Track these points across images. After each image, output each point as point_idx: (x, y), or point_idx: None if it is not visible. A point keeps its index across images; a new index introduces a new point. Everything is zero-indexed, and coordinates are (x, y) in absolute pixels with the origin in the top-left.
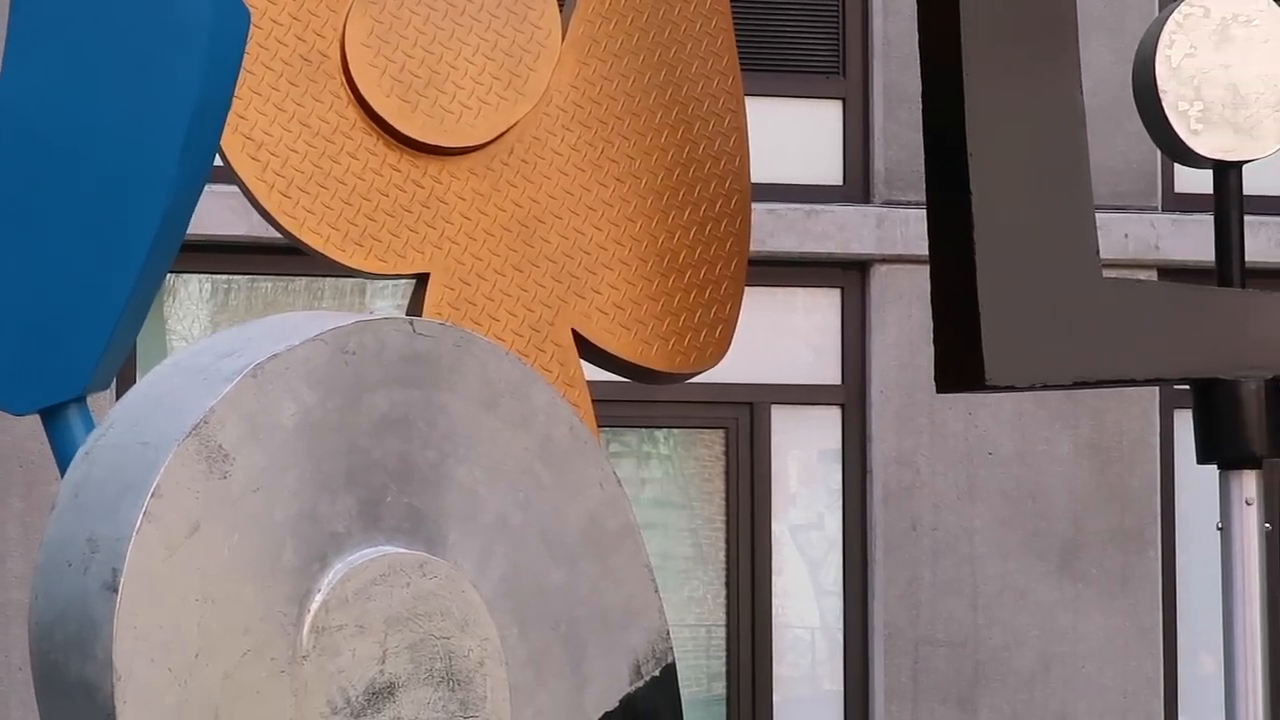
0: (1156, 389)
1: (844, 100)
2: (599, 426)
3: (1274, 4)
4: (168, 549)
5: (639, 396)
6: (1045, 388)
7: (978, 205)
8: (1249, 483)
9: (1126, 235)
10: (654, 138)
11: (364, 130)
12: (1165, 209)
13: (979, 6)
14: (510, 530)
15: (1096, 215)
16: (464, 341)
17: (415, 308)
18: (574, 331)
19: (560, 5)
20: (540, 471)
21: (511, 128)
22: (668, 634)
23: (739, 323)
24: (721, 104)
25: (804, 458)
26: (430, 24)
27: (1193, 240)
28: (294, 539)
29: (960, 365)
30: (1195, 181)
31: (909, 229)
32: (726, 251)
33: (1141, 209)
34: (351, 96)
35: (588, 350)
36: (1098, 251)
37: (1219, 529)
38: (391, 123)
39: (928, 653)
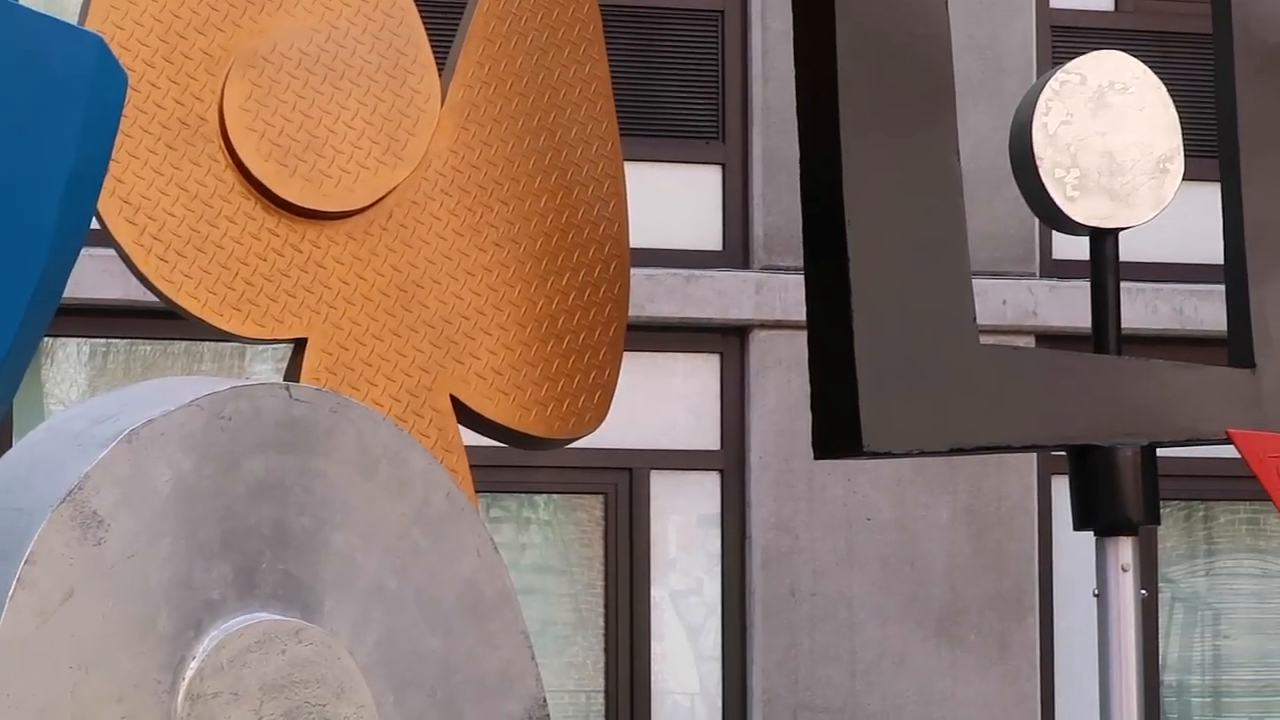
0: (1035, 455)
1: (723, 166)
2: (478, 491)
3: (1150, 72)
4: (41, 616)
5: (519, 461)
6: (922, 454)
7: (855, 271)
8: (1125, 549)
9: (1005, 301)
10: (533, 203)
11: (242, 194)
12: (1043, 275)
13: (856, 73)
14: (387, 596)
15: (974, 281)
16: (340, 407)
17: (293, 373)
18: (452, 397)
19: (439, 70)
20: (417, 537)
21: (390, 192)
22: (545, 701)
23: (618, 388)
24: (601, 169)
25: (683, 523)
26: (309, 88)
27: (1070, 306)
28: (169, 606)
29: (838, 431)
30: (1073, 248)
31: (788, 295)
32: (605, 317)
33: (1020, 275)
34: (230, 160)
35: (466, 415)
36: (975, 318)
37: (1096, 595)
38: (270, 187)
39: (806, 718)
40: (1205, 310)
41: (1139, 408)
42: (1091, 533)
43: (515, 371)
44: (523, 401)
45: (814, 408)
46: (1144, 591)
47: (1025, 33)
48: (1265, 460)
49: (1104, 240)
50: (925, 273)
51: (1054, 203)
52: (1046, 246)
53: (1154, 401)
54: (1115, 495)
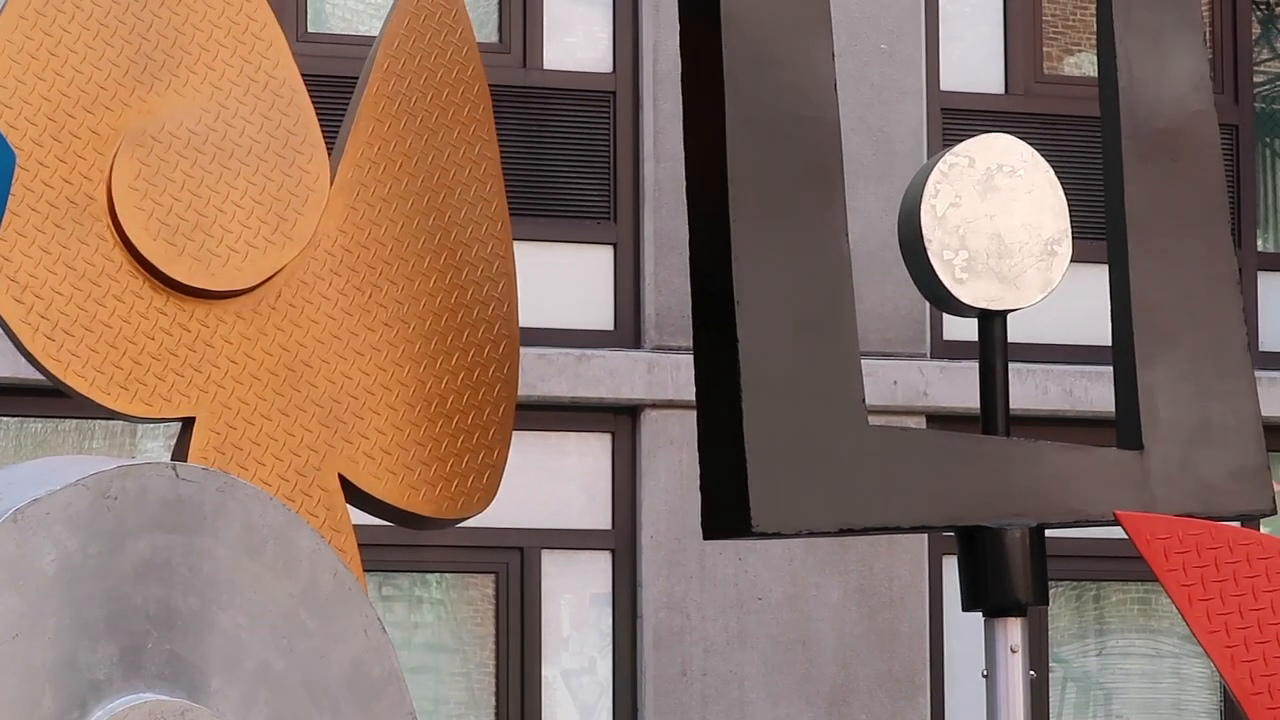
0: (926, 535)
1: (615, 245)
2: (369, 570)
3: (1037, 155)
4: None
5: (411, 540)
6: (811, 534)
7: (745, 352)
8: (1014, 630)
9: (895, 382)
10: (422, 283)
11: (130, 273)
12: (934, 356)
13: (746, 154)
14: (273, 677)
15: (866, 362)
16: (228, 487)
17: (181, 451)
18: (341, 476)
19: (329, 149)
20: (304, 618)
21: (279, 272)
22: None
23: (510, 467)
24: (490, 249)
25: (576, 602)
26: (198, 167)
27: (961, 387)
28: (53, 686)
29: (727, 512)
30: (964, 328)
31: (680, 374)
32: (495, 397)
33: (911, 355)
34: (118, 239)
35: (354, 495)
36: (863, 398)
37: (984, 676)
38: (158, 266)
39: None
40: (1096, 391)
41: (1027, 489)
42: (980, 613)
43: (404, 451)
44: (411, 481)
45: (703, 488)
46: (1033, 673)
47: (916, 115)
48: (1153, 542)
49: (992, 322)
50: (814, 353)
51: (942, 285)
52: (937, 327)
53: (1042, 483)
54: (1004, 576)
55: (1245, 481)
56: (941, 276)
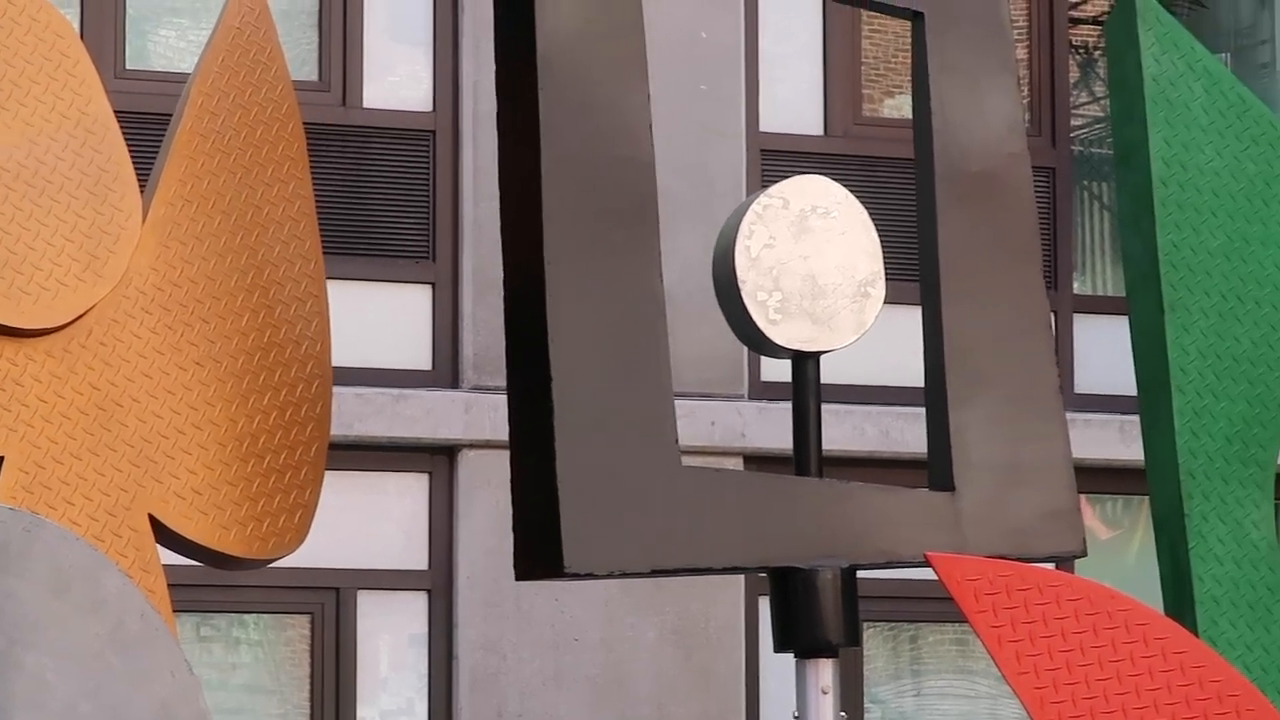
0: (742, 575)
1: (434, 285)
2: (184, 611)
3: (851, 196)
4: None
5: (228, 581)
6: (624, 575)
7: (558, 392)
8: (825, 671)
9: (713, 423)
10: (235, 321)
11: None
12: (752, 396)
13: (561, 194)
14: (80, 718)
15: (683, 403)
16: (34, 527)
17: None
18: (151, 516)
19: (141, 187)
20: (111, 659)
21: (90, 310)
22: None
23: (327, 507)
24: (304, 288)
25: (393, 643)
26: (8, 204)
27: (779, 427)
28: None
29: (540, 552)
30: (782, 370)
31: (498, 415)
32: (307, 436)
33: (728, 396)
34: None
35: (165, 535)
36: (676, 439)
37: (796, 718)
38: None
39: None
40: (912, 433)
41: (839, 530)
42: (793, 654)
43: (215, 491)
44: (222, 521)
45: (516, 528)
46: (844, 714)
47: (736, 156)
48: (963, 583)
49: (806, 363)
50: (627, 394)
51: (756, 326)
52: (755, 368)
53: (854, 524)
54: (815, 617)
55: (1056, 523)
56: (755, 317)
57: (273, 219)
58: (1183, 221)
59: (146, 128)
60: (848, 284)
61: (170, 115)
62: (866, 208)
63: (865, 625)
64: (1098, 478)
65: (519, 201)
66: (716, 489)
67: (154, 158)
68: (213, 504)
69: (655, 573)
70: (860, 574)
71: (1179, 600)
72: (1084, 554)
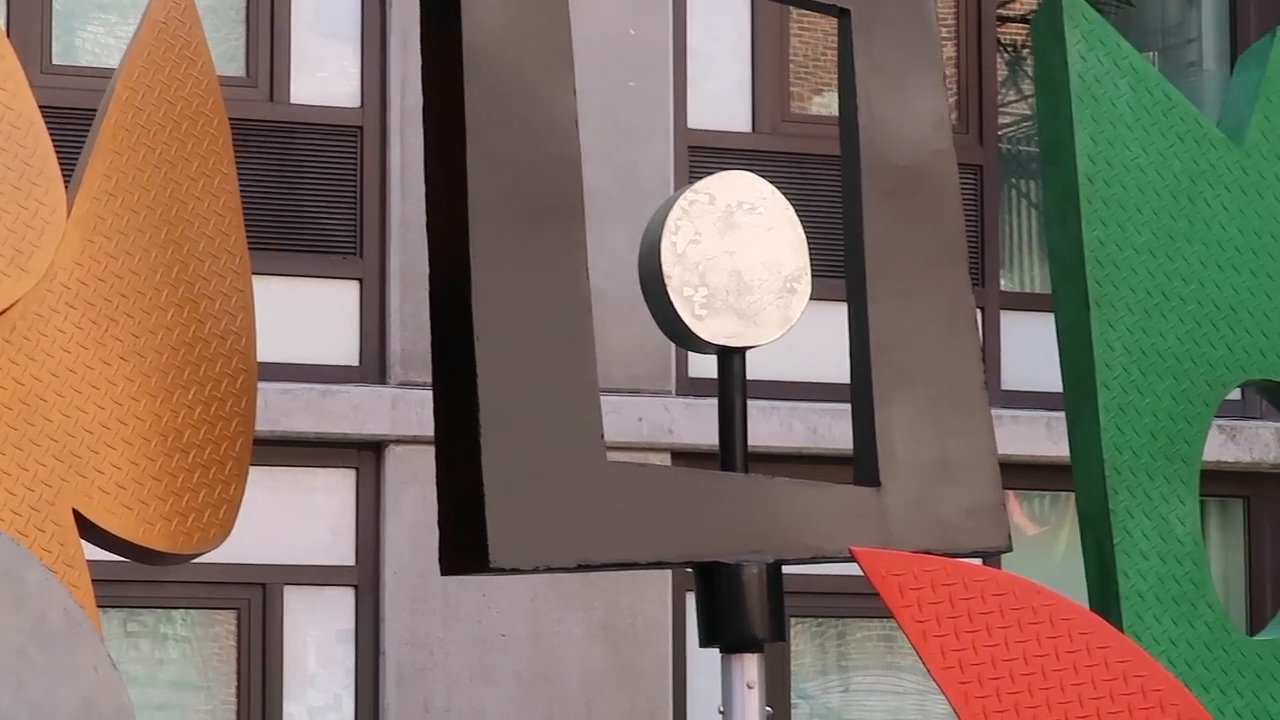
0: (670, 571)
1: (361, 281)
2: (111, 607)
3: (777, 192)
4: None
5: (154, 576)
6: (550, 570)
7: (483, 387)
8: (750, 666)
9: (640, 419)
10: (159, 316)
11: None
12: (679, 392)
13: (487, 190)
14: (1, 713)
15: (611, 399)
16: None
17: None
18: (75, 511)
19: (66, 182)
20: (33, 654)
21: (14, 305)
22: None
23: (254, 502)
24: (229, 283)
25: (321, 639)
26: None
27: (707, 423)
28: None
29: (465, 547)
30: (709, 366)
31: (425, 410)
32: (231, 431)
33: (656, 393)
34: None
35: (89, 530)
36: (602, 434)
37: (721, 713)
38: None
39: None
40: (840, 428)
41: (764, 525)
42: (718, 649)
43: (139, 486)
44: (146, 516)
45: (441, 523)
46: (769, 709)
47: (664, 153)
48: (888, 578)
49: (732, 359)
50: (553, 389)
51: (682, 321)
52: (683, 364)
53: (779, 519)
54: (740, 612)
55: (982, 519)
56: (681, 313)
57: (198, 214)
58: (1108, 218)
59: (72, 123)
60: (773, 280)
61: (96, 111)
62: (795, 205)
63: (793, 621)
64: (1025, 474)
65: (445, 197)
66: (642, 484)
67: (79, 153)
68: (137, 499)
69: (581, 568)
70: (788, 569)
71: (1104, 595)
72: (1009, 549)
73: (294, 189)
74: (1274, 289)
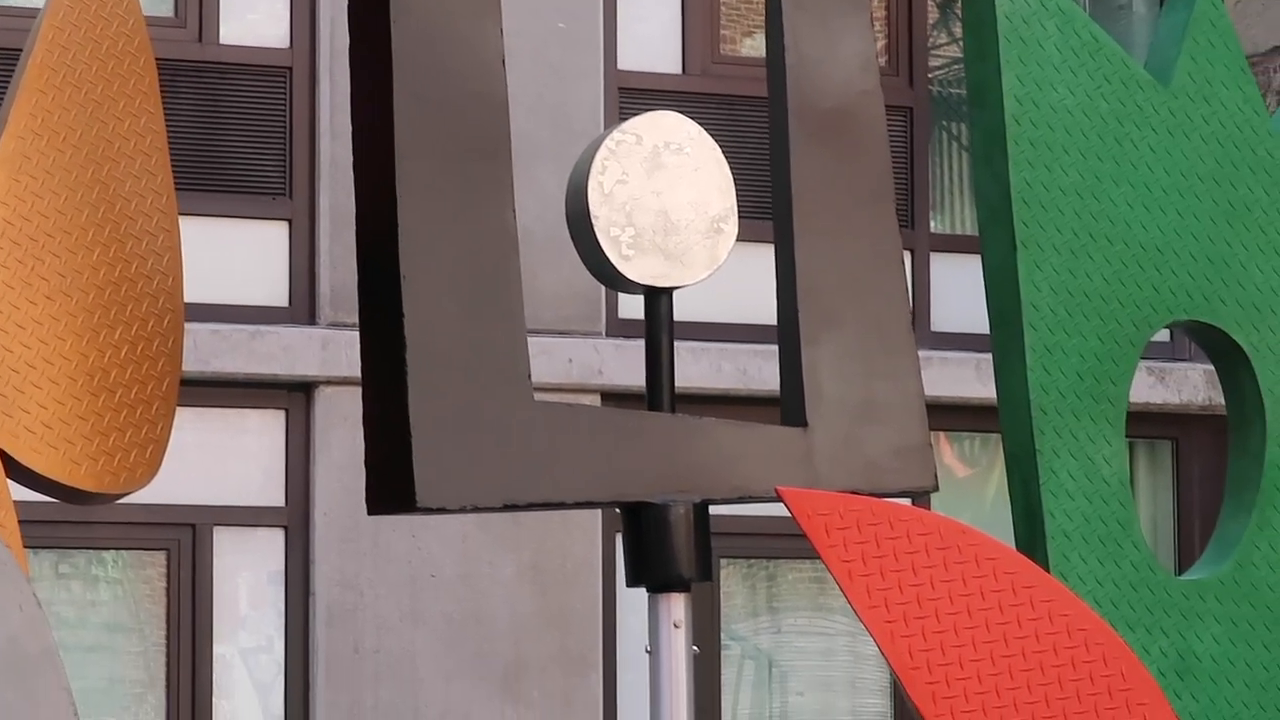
0: (599, 512)
1: (290, 221)
2: (41, 548)
3: (704, 133)
4: None
5: (84, 517)
6: (476, 510)
7: (410, 327)
8: (677, 606)
9: (570, 360)
10: (85, 256)
11: None
12: (609, 334)
13: (413, 130)
14: None
15: (541, 340)
16: None
17: None
18: (1, 451)
19: None
20: None
21: None
22: None
23: (183, 443)
24: (156, 223)
25: (253, 580)
26: None
27: (636, 365)
28: None
29: (392, 487)
30: (639, 307)
31: (354, 351)
32: (158, 371)
33: (586, 334)
34: None
35: (15, 470)
36: (529, 374)
37: (648, 652)
38: None
39: None
40: (769, 370)
41: (691, 465)
42: (645, 589)
43: (65, 425)
44: (73, 456)
45: (368, 463)
46: (696, 648)
47: (594, 95)
48: (814, 518)
49: (659, 299)
50: (480, 329)
51: (609, 262)
52: (613, 306)
53: (706, 459)
54: (667, 552)
55: (908, 459)
56: (608, 253)
57: (125, 154)
58: (1035, 159)
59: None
60: (700, 220)
61: (21, 50)
62: (725, 147)
63: (724, 563)
64: (955, 416)
65: (371, 137)
66: (569, 424)
67: (3, 93)
68: (63, 438)
69: (508, 508)
70: (719, 511)
71: (1030, 535)
72: (935, 489)
73: (223, 130)
74: (1200, 230)
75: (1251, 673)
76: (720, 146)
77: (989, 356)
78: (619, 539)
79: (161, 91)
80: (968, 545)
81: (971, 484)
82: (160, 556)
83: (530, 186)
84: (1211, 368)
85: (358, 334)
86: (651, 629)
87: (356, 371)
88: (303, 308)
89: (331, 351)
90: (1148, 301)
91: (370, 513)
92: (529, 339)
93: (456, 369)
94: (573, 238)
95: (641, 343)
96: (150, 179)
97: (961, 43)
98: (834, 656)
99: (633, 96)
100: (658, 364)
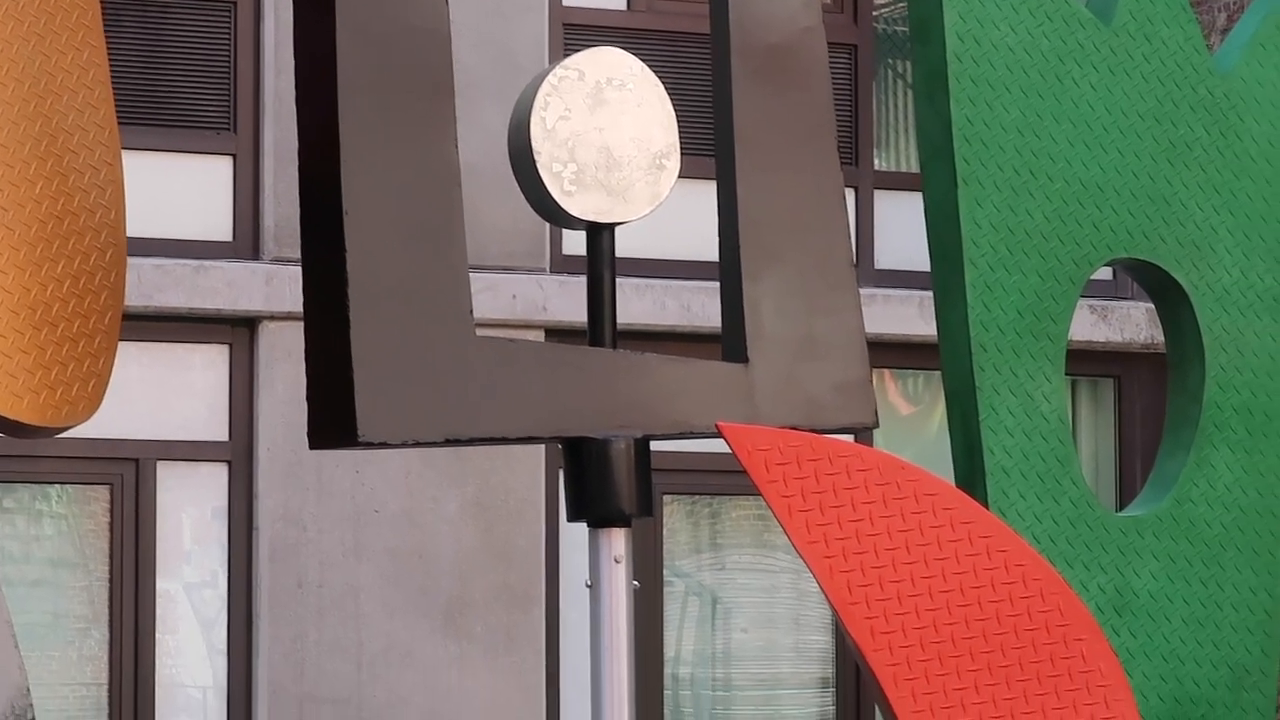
0: (543, 448)
1: (234, 156)
2: None
3: (647, 69)
4: None
5: (28, 451)
6: (417, 444)
7: (352, 262)
8: (618, 541)
9: (515, 296)
10: (27, 189)
11: None
12: (554, 270)
13: (356, 65)
14: None
15: (486, 276)
16: None
17: None
18: None
19: None
20: None
21: None
22: (28, 690)
23: (126, 378)
24: (98, 156)
25: (197, 515)
26: None
27: (580, 301)
28: None
29: (333, 422)
30: (583, 243)
31: (298, 287)
32: (101, 305)
33: (530, 270)
34: None
35: None
36: (471, 309)
37: (588, 587)
38: None
39: (312, 710)
40: (713, 307)
41: (632, 401)
42: (586, 524)
43: (7, 359)
44: (14, 389)
45: (310, 398)
46: (636, 583)
47: (538, 30)
48: (754, 453)
49: (601, 235)
50: (422, 264)
51: (551, 197)
52: (557, 242)
53: (647, 395)
54: (608, 487)
55: (848, 395)
56: (550, 189)
57: (67, 87)
58: (976, 97)
59: None
60: (643, 156)
61: None
62: (668, 83)
63: (666, 499)
64: (898, 353)
65: (314, 73)
66: (510, 359)
67: None
68: (5, 372)
69: (449, 442)
70: (663, 447)
71: (970, 471)
72: (876, 425)
73: (167, 64)
74: (1141, 168)
75: (1188, 608)
76: (663, 83)
77: (931, 294)
78: (561, 475)
79: (104, 24)
80: (907, 481)
81: (914, 421)
82: (104, 491)
83: (474, 122)
84: (1153, 306)
85: (301, 269)
86: (592, 564)
87: (300, 307)
88: (247, 243)
89: (275, 287)
90: (1088, 239)
91: (312, 447)
92: (473, 275)
93: (398, 304)
94: (515, 174)
95: (585, 278)
96: (93, 113)
97: None
98: (777, 593)
99: (576, 32)
100: (599, 300)
